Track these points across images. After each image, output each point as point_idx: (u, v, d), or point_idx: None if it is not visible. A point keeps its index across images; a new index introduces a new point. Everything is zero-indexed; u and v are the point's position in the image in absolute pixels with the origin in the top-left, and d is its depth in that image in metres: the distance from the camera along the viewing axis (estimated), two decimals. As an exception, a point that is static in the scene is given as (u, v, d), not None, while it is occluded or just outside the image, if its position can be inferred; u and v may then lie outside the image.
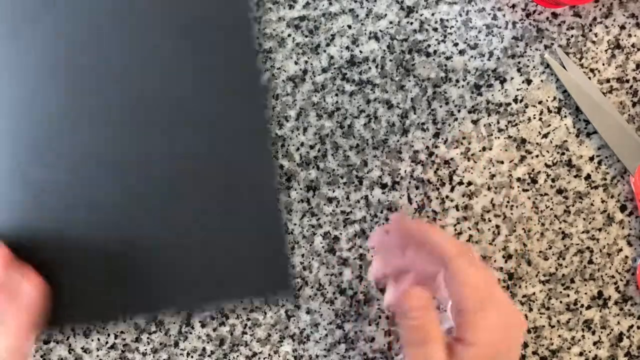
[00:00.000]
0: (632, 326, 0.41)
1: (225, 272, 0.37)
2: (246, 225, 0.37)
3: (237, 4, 0.37)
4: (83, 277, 0.37)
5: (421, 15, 0.41)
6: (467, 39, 0.41)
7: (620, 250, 0.41)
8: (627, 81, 0.41)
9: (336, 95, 0.41)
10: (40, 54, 0.36)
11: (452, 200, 0.41)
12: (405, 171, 0.41)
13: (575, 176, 0.41)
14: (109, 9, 0.36)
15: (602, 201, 0.41)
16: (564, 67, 0.41)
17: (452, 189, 0.41)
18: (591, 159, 0.41)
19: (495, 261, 0.41)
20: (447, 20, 0.41)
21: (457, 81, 0.41)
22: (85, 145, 0.36)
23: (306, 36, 0.41)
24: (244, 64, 0.36)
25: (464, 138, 0.41)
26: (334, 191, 0.40)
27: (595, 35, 0.41)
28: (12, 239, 0.36)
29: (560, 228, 0.41)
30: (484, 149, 0.41)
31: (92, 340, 0.40)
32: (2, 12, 0.36)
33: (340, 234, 0.41)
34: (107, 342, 0.40)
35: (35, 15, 0.36)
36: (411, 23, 0.41)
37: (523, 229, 0.41)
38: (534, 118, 0.41)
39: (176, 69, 0.36)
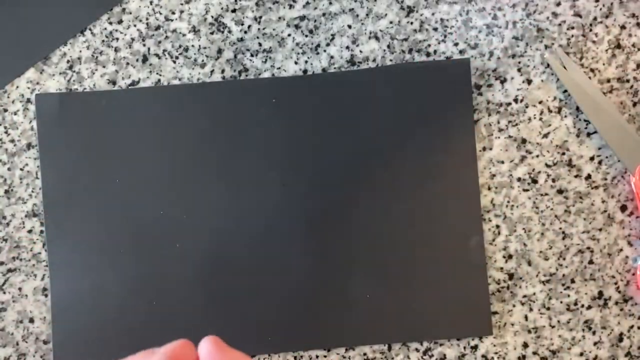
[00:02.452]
0: (632, 326, 0.41)
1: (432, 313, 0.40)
2: (454, 273, 0.40)
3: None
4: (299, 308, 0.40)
5: (421, 15, 0.41)
6: (467, 38, 0.41)
7: (621, 250, 0.41)
8: (628, 81, 0.41)
9: (336, 95, 0.41)
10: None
11: (452, 200, 0.41)
12: (405, 171, 0.41)
13: (575, 176, 0.41)
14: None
15: (603, 201, 0.41)
16: (564, 67, 0.41)
17: (452, 189, 0.41)
18: (591, 159, 0.41)
19: (495, 261, 0.41)
20: (447, 20, 0.41)
21: (457, 81, 0.41)
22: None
23: (306, 36, 0.41)
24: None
25: (464, 138, 0.41)
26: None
27: (596, 35, 0.41)
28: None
29: (560, 228, 0.41)
30: (484, 149, 0.41)
31: None
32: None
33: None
34: None
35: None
36: (411, 23, 0.41)
37: (523, 229, 0.41)
38: (534, 118, 0.41)
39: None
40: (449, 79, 0.40)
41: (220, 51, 0.41)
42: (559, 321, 0.41)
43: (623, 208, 0.41)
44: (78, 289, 0.40)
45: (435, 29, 0.41)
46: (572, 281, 0.41)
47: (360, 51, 0.41)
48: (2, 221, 0.41)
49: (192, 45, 0.41)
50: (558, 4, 0.41)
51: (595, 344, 0.41)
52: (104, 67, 0.41)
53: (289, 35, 0.41)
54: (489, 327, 0.40)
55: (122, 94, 0.41)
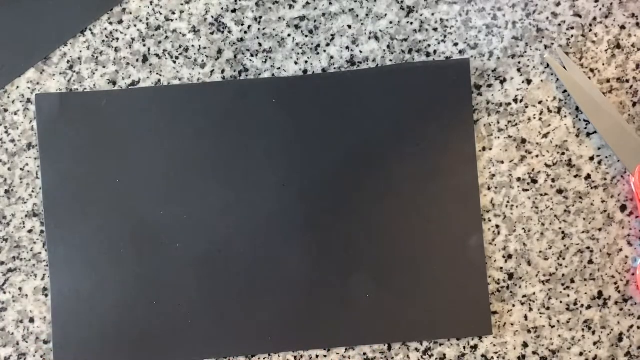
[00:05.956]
0: (632, 326, 0.41)
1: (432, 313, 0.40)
2: (453, 273, 0.40)
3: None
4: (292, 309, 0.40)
5: (421, 15, 0.41)
6: (467, 38, 0.41)
7: (620, 250, 0.41)
8: (627, 81, 0.41)
9: (336, 95, 0.41)
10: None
11: (452, 200, 0.41)
12: (405, 171, 0.41)
13: (575, 176, 0.41)
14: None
15: (602, 201, 0.41)
16: (564, 67, 0.41)
17: (452, 189, 0.41)
18: (591, 159, 0.41)
19: (495, 261, 0.41)
20: (447, 20, 0.41)
21: (457, 81, 0.41)
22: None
23: (306, 36, 0.41)
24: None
25: (464, 138, 0.41)
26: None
27: (596, 35, 0.41)
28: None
29: (560, 228, 0.41)
30: (483, 149, 0.41)
31: None
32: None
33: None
34: None
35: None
36: (411, 23, 0.41)
37: (523, 229, 0.41)
38: (534, 118, 0.41)
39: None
40: (449, 79, 0.41)
41: (220, 51, 0.41)
42: (558, 321, 0.41)
43: (623, 208, 0.41)
44: (78, 289, 0.40)
45: (435, 29, 0.41)
46: (572, 281, 0.41)
47: (360, 51, 0.41)
48: (2, 221, 0.41)
49: (192, 46, 0.41)
50: (558, 4, 0.41)
51: (595, 343, 0.41)
52: (104, 67, 0.41)
53: (289, 35, 0.41)
54: (488, 327, 0.40)
55: (122, 94, 0.41)
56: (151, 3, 0.41)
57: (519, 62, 0.41)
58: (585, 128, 0.41)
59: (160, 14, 0.41)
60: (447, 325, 0.40)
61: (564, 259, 0.41)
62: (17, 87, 0.41)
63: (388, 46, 0.41)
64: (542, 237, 0.41)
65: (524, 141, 0.41)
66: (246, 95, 0.40)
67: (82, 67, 0.41)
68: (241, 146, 0.40)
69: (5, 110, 0.41)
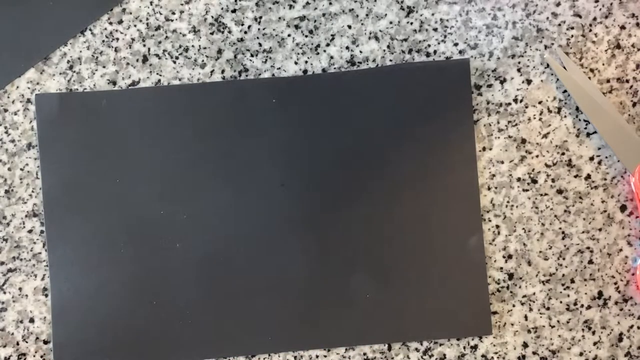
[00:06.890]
0: (632, 326, 0.41)
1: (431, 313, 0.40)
2: (453, 272, 0.40)
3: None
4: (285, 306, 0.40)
5: (421, 15, 0.41)
6: (467, 39, 0.41)
7: (620, 250, 0.41)
8: (627, 81, 0.41)
9: (336, 95, 0.41)
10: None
11: (452, 200, 0.41)
12: (405, 171, 0.41)
13: (575, 176, 0.41)
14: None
15: (602, 201, 0.41)
16: (564, 67, 0.41)
17: (452, 189, 0.41)
18: (591, 159, 0.41)
19: (495, 261, 0.41)
20: (447, 20, 0.41)
21: (457, 81, 0.41)
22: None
23: (306, 36, 0.41)
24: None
25: (464, 138, 0.41)
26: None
27: (595, 35, 0.41)
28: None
29: (560, 228, 0.41)
30: (483, 149, 0.41)
31: None
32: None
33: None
34: None
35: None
36: (411, 23, 0.41)
37: (523, 229, 0.41)
38: (534, 118, 0.41)
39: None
40: (449, 79, 0.41)
41: (220, 51, 0.41)
42: (558, 321, 0.41)
43: (623, 208, 0.41)
44: (78, 289, 0.40)
45: (435, 29, 0.41)
46: (572, 281, 0.41)
47: (360, 51, 0.41)
48: (2, 221, 0.41)
49: (192, 46, 0.41)
50: (558, 4, 0.41)
51: (595, 343, 0.41)
52: (104, 67, 0.41)
53: (289, 35, 0.41)
54: (488, 326, 0.40)
55: (122, 94, 0.41)
56: (151, 3, 0.41)
57: (519, 62, 0.41)
58: (585, 128, 0.41)
59: (160, 14, 0.41)
60: (447, 325, 0.40)
61: (564, 259, 0.41)
62: (17, 87, 0.41)
63: (388, 46, 0.41)
64: (542, 237, 0.41)
65: (524, 141, 0.41)
66: (246, 95, 0.40)
67: (82, 67, 0.41)
68: (241, 146, 0.40)
69: (5, 110, 0.41)
